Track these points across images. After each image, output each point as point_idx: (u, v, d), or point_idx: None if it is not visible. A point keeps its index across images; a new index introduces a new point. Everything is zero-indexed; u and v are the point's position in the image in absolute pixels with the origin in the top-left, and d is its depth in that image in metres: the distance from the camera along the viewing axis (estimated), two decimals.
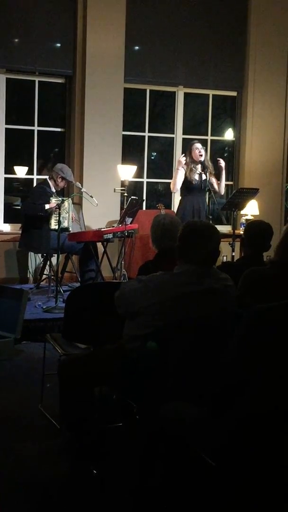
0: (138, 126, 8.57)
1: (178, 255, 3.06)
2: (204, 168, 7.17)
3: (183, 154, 7.35)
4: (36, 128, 7.96)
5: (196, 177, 7.19)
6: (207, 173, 7.14)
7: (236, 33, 8.55)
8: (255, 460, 2.15)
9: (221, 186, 7.38)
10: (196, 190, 7.23)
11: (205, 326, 2.84)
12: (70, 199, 6.80)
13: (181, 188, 7.32)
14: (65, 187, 7.33)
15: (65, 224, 6.63)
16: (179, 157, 7.24)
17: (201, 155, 7.14)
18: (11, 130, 7.89)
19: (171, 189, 7.46)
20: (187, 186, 7.24)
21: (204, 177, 7.18)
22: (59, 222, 6.32)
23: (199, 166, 7.21)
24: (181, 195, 7.51)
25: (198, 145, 7.22)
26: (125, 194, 7.47)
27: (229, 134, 8.99)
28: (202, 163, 7.17)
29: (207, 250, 3.00)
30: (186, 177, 7.20)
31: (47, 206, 6.60)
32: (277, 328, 2.15)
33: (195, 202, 7.26)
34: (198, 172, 7.20)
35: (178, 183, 7.21)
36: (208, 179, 7.13)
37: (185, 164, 7.19)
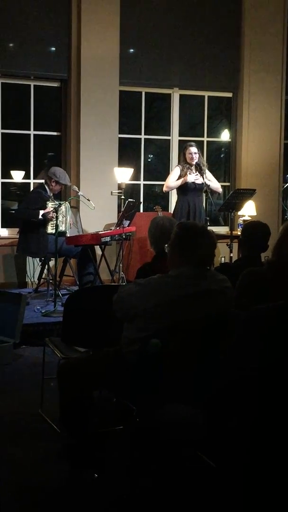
0: (134, 128, 8.57)
1: (174, 257, 3.06)
2: (200, 170, 7.21)
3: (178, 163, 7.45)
4: (32, 132, 7.96)
5: (192, 178, 7.25)
6: (203, 175, 7.17)
7: (230, 34, 8.56)
8: (253, 461, 2.15)
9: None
10: (190, 191, 7.28)
11: (203, 328, 2.84)
12: (67, 202, 6.80)
13: (176, 190, 7.37)
14: (61, 190, 7.32)
15: (62, 227, 6.64)
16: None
17: (192, 159, 7.21)
18: (7, 135, 7.89)
19: (163, 189, 7.56)
20: (182, 187, 7.29)
21: (200, 178, 7.21)
22: (56, 226, 6.32)
23: (194, 168, 7.26)
24: (177, 195, 7.55)
25: (192, 149, 7.27)
26: (122, 197, 7.46)
27: (225, 135, 9.00)
28: (198, 165, 7.23)
29: (201, 251, 3.00)
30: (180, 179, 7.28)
31: (41, 212, 6.60)
32: (275, 328, 2.15)
33: (190, 203, 7.31)
34: (193, 173, 7.25)
35: (171, 182, 7.32)
36: (204, 181, 7.16)
37: (179, 165, 7.33)
